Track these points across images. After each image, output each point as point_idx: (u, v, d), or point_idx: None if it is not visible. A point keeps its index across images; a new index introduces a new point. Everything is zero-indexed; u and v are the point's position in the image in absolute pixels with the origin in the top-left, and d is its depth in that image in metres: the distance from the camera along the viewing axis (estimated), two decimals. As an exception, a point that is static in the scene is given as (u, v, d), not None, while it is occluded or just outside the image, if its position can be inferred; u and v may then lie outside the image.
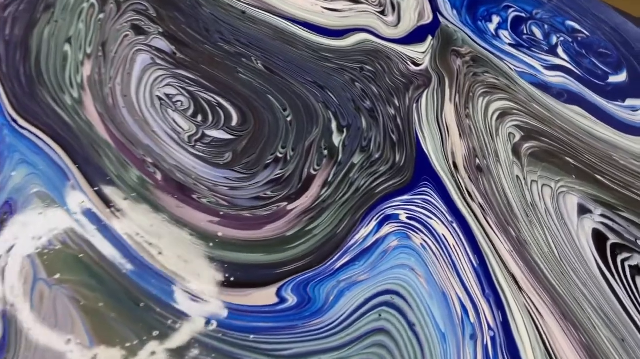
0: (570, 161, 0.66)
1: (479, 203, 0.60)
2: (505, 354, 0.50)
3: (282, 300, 0.53)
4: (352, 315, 0.52)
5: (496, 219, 0.59)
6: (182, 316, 0.48)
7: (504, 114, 0.70)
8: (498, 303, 0.53)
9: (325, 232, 0.57)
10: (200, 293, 0.51)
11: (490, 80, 0.74)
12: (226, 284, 0.53)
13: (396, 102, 0.70)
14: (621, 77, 0.81)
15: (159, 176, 0.59)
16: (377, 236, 0.57)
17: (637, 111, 0.75)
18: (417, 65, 0.75)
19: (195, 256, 0.53)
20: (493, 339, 0.51)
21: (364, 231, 0.58)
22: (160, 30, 0.74)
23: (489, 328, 0.52)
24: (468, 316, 0.52)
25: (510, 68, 0.76)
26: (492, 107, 0.71)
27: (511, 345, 0.51)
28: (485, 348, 0.51)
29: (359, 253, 0.56)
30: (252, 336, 0.50)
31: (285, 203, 0.59)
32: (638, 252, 0.58)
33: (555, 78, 0.77)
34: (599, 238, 0.60)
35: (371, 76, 0.73)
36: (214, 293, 0.51)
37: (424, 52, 0.77)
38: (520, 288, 0.54)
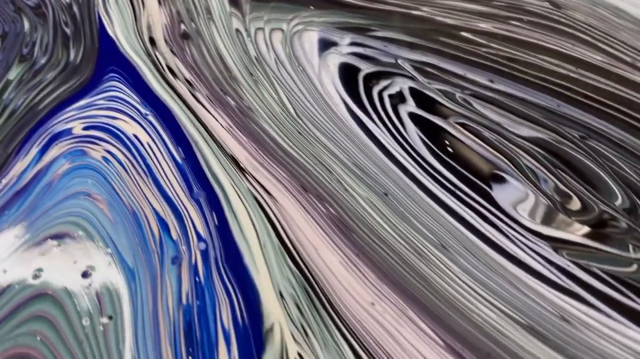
0: (308, -10, 0.50)
1: (185, 79, 0.44)
2: (222, 266, 0.35)
3: None
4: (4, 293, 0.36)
5: (209, 91, 0.43)
6: None
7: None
8: (211, 202, 0.38)
9: (-40, 184, 0.40)
10: None
11: None
12: None
13: (72, -14, 0.51)
14: None
15: None
16: (39, 166, 0.40)
17: None
18: None
19: None
20: (205, 252, 0.36)
21: (20, 165, 0.40)
22: None
23: (199, 238, 0.36)
24: (169, 234, 0.37)
25: None
26: (203, -45, 0.53)
27: (231, 252, 0.36)
28: (193, 269, 0.35)
29: (11, 198, 0.39)
30: None
31: None
32: (399, 74, 0.43)
33: None
34: (348, 73, 0.44)
35: (38, -35, 0.53)
36: None
37: None
38: (243, 171, 0.39)
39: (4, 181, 0.39)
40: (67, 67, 0.45)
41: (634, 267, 0.33)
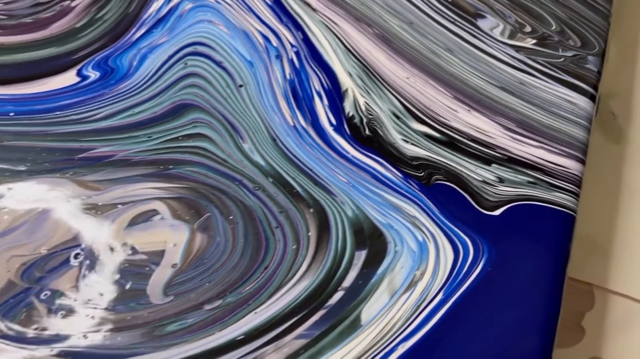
0: None
1: (265, -43, 0.62)
2: (310, 61, 0.53)
3: (84, 77, 0.51)
4: (159, 70, 0.52)
5: (283, -35, 0.61)
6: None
7: None
8: (296, 26, 0.56)
9: (116, 15, 0.56)
10: None
11: None
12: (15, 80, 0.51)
13: None
14: None
15: None
16: (170, 4, 0.57)
17: None
18: None
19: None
20: (297, 53, 0.54)
21: (156, 4, 0.57)
22: None
23: (292, 46, 0.54)
24: (270, 43, 0.54)
25: None
26: None
27: (314, 53, 0.54)
28: (291, 62, 0.53)
29: (155, 23, 0.55)
30: (57, 112, 0.49)
31: (68, 1, 0.56)
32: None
33: None
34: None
35: None
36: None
37: None
38: (315, 10, 0.57)
39: (147, 13, 0.55)
40: (175, -53, 0.61)
41: (562, 59, 0.53)
